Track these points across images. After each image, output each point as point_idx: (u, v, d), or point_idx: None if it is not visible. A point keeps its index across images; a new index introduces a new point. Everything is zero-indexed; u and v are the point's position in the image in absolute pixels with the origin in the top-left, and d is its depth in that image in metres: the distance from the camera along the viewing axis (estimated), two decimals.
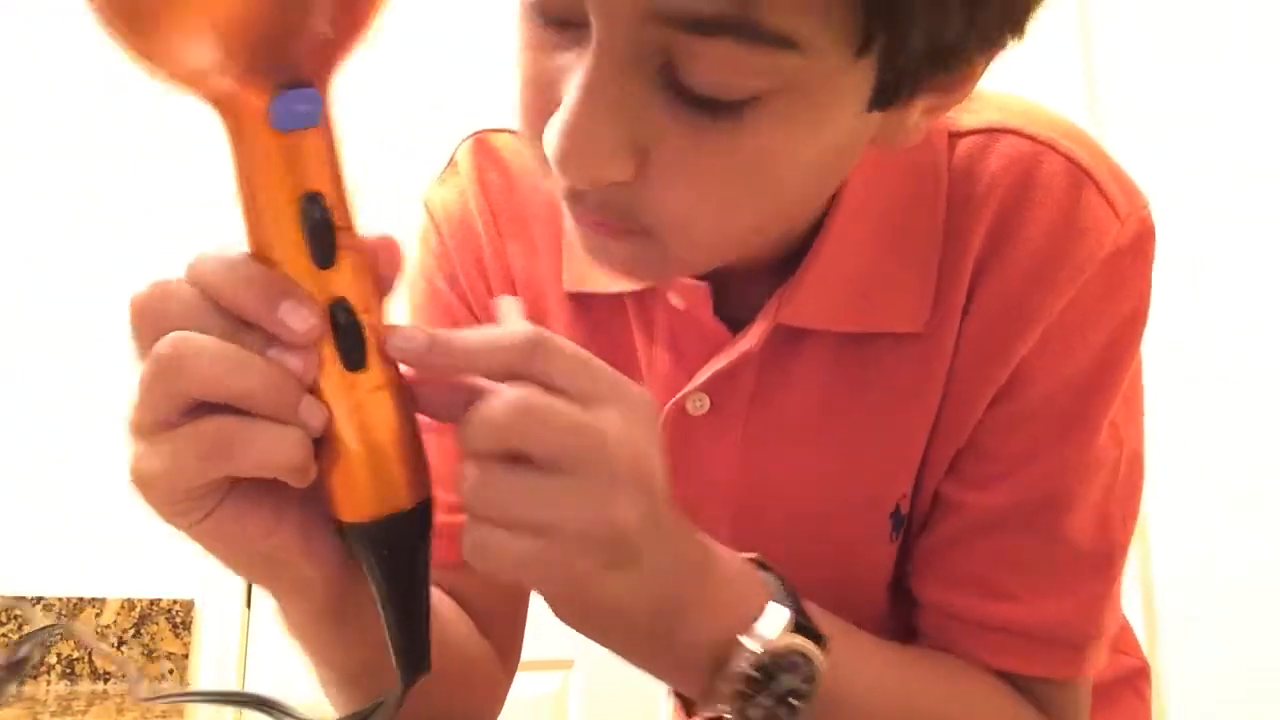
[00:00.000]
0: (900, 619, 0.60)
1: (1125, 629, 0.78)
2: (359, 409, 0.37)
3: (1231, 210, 1.45)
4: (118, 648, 1.54)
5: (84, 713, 1.07)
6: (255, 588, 1.62)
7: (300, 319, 0.35)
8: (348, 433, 0.37)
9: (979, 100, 0.54)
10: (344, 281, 0.37)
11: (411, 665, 0.40)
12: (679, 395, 0.57)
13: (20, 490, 1.54)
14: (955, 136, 0.55)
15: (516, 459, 0.37)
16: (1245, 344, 1.42)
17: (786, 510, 0.57)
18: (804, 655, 0.46)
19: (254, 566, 0.40)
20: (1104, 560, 0.56)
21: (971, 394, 0.54)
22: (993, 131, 0.54)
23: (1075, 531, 0.55)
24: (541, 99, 0.43)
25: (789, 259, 0.54)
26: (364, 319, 0.37)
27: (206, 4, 0.32)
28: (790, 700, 0.46)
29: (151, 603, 1.57)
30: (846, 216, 0.53)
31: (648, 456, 0.40)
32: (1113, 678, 0.74)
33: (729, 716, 0.46)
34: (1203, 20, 1.52)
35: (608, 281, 0.58)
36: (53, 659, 1.49)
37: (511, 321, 0.40)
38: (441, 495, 0.40)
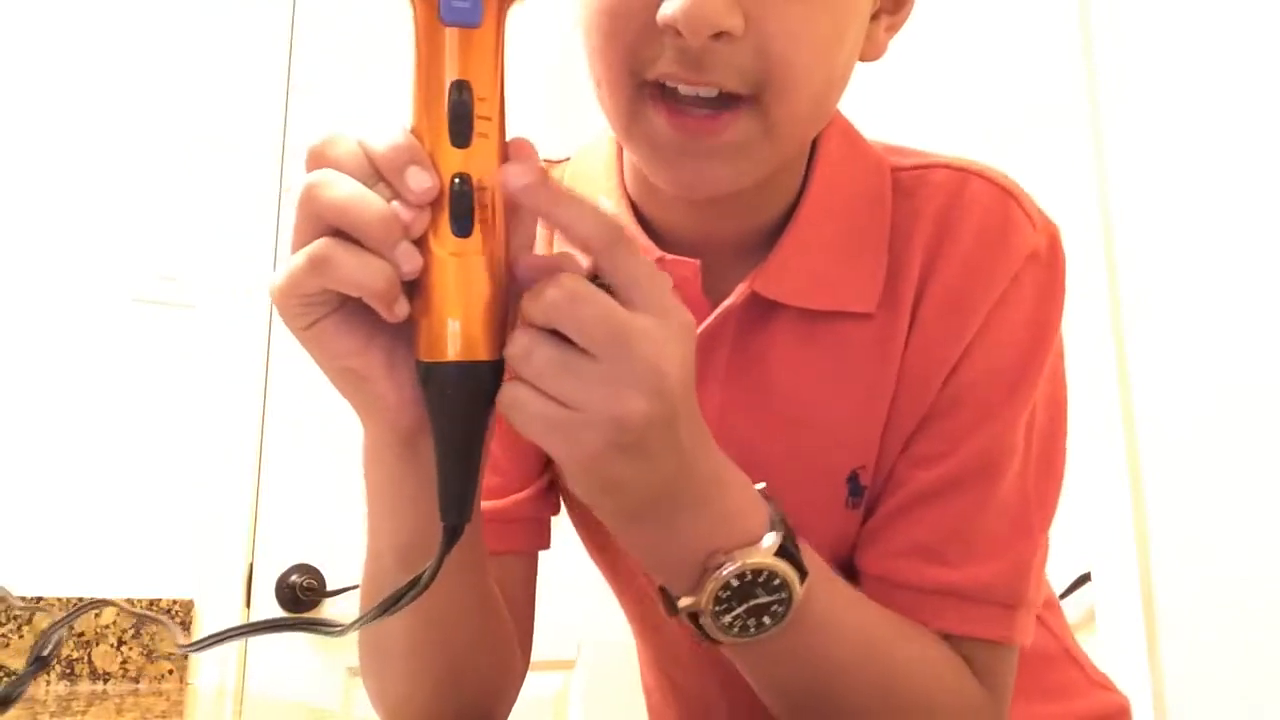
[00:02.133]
0: None
1: (1097, 670, 0.86)
2: (453, 266, 0.43)
3: (1231, 215, 1.45)
4: (117, 648, 1.54)
5: (84, 713, 1.07)
6: (254, 588, 1.61)
7: (419, 181, 0.42)
8: (439, 283, 0.43)
9: (918, 154, 0.68)
10: (472, 160, 0.43)
11: (453, 509, 0.45)
12: None
13: (20, 490, 1.54)
14: (897, 170, 0.66)
15: (563, 337, 0.44)
16: (1246, 344, 1.42)
17: (755, 475, 0.62)
18: (784, 580, 0.52)
19: (343, 378, 0.47)
20: (1025, 529, 0.64)
21: (926, 374, 0.63)
22: (928, 167, 0.67)
23: (1001, 502, 0.62)
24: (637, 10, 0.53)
25: (760, 249, 0.63)
26: (478, 196, 0.43)
27: None
28: (763, 617, 0.52)
29: (151, 603, 1.57)
30: (810, 212, 0.64)
31: (670, 366, 0.45)
32: (1102, 713, 0.82)
33: (705, 620, 0.52)
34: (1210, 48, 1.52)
35: None
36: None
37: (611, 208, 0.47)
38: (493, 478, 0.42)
